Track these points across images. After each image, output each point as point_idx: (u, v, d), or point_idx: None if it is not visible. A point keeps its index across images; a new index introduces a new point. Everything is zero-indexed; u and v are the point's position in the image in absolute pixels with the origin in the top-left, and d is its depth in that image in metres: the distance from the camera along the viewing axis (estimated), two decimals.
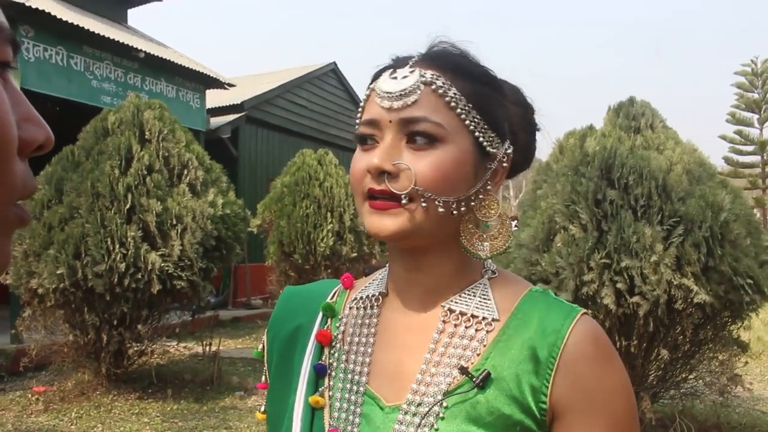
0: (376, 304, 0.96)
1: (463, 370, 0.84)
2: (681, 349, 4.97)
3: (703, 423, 5.28)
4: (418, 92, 0.83)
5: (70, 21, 8.68)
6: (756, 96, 22.16)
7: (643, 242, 4.34)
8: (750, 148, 22.24)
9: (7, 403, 6.19)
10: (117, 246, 5.76)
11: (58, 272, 5.73)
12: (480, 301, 0.89)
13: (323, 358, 0.96)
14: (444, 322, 0.89)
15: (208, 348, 7.22)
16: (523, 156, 0.95)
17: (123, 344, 6.36)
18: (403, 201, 0.82)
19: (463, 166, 0.85)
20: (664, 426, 5.00)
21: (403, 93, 0.84)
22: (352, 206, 9.27)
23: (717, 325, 4.92)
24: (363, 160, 0.86)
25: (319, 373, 0.95)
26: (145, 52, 10.07)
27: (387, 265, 0.99)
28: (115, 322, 6.15)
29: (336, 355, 0.96)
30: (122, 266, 5.72)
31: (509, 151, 0.89)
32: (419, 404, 0.85)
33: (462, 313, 0.89)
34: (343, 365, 0.94)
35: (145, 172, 6.17)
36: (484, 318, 0.88)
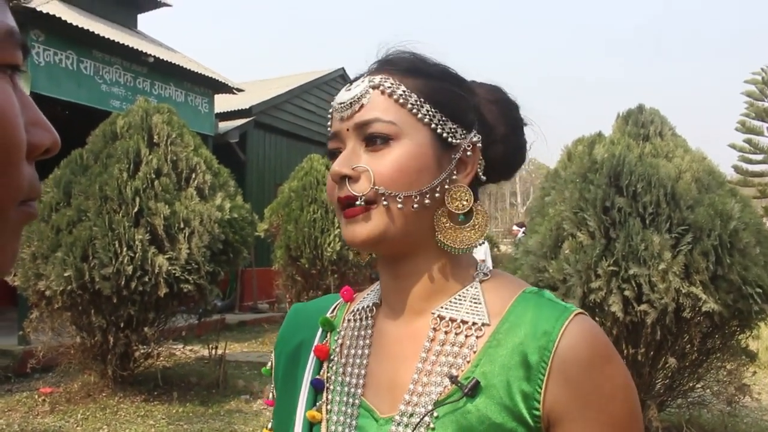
0: (370, 315, 0.96)
1: (453, 379, 0.82)
2: (688, 357, 4.94)
3: None
4: (368, 96, 0.86)
5: (80, 26, 8.73)
6: (766, 105, 22.07)
7: (651, 250, 4.33)
8: (759, 157, 22.13)
9: (14, 403, 6.21)
10: (124, 249, 5.77)
11: (66, 274, 5.75)
12: (471, 306, 0.88)
13: (321, 373, 0.96)
14: (434, 329, 0.87)
15: (214, 351, 7.22)
16: (506, 149, 0.93)
17: (129, 347, 6.37)
18: (359, 203, 0.83)
19: (422, 159, 0.85)
20: None
21: (354, 100, 0.87)
22: None
23: (725, 334, 4.89)
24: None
25: (317, 387, 0.95)
26: (154, 56, 10.12)
27: None
28: (121, 325, 6.17)
29: (334, 368, 0.96)
30: (129, 269, 5.73)
31: (476, 139, 0.89)
32: (411, 415, 0.83)
33: (452, 319, 0.87)
34: (340, 378, 0.94)
35: (154, 176, 6.19)
36: (474, 323, 0.86)
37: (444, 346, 0.86)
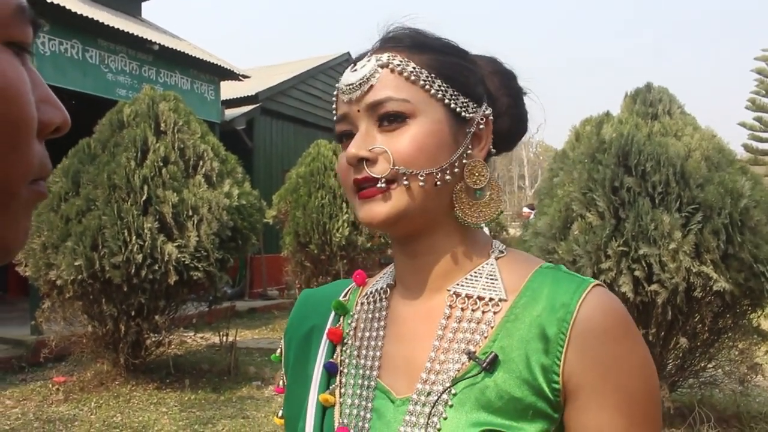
0: (384, 296, 0.95)
1: (471, 355, 0.81)
2: (700, 337, 4.93)
3: (722, 412, 5.23)
4: (377, 75, 0.84)
5: (85, 14, 8.71)
6: None
7: (661, 230, 4.30)
8: None
9: (28, 393, 6.27)
10: (134, 237, 5.79)
11: (76, 264, 5.77)
12: (487, 282, 0.86)
13: (335, 356, 0.95)
14: (451, 307, 0.86)
15: (225, 338, 7.25)
16: (511, 120, 0.93)
17: (141, 335, 6.40)
18: (380, 185, 0.82)
19: (439, 136, 0.84)
20: (682, 415, 4.96)
21: (362, 80, 0.85)
22: None
23: (737, 313, 4.87)
24: (344, 155, 0.86)
25: (330, 371, 0.94)
26: (159, 44, 10.10)
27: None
28: (132, 313, 6.20)
29: (348, 351, 0.95)
30: (139, 257, 5.75)
31: (488, 112, 0.88)
32: (428, 393, 0.82)
33: (468, 296, 0.86)
34: (354, 361, 0.93)
35: (161, 164, 6.20)
36: (491, 299, 0.85)
37: (461, 323, 0.85)
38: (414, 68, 0.84)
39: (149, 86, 7.00)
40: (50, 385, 6.47)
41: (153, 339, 6.69)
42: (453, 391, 0.81)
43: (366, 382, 0.89)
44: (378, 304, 0.95)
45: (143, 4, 12.57)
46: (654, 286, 4.33)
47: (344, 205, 9.25)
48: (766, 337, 5.15)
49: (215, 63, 11.53)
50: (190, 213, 6.08)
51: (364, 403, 0.88)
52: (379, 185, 0.82)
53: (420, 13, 0.91)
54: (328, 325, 0.98)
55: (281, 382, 1.04)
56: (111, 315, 6.19)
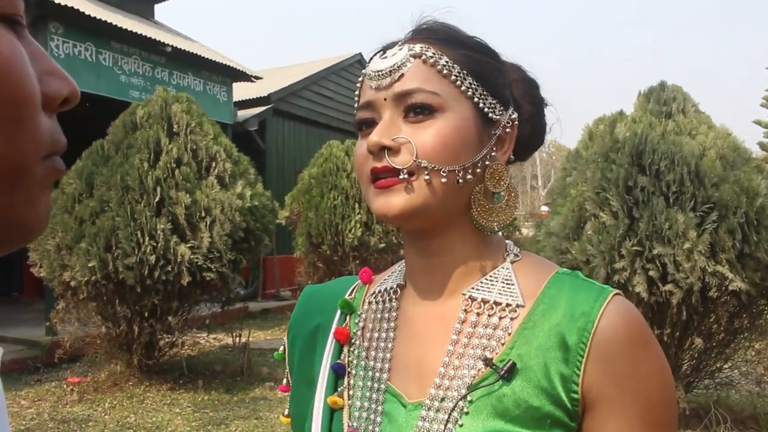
0: (394, 296, 0.92)
1: (488, 362, 0.79)
2: (715, 337, 4.88)
3: (738, 413, 5.19)
4: (409, 65, 0.82)
5: (98, 17, 8.76)
6: None
7: (675, 229, 4.27)
8: None
9: (43, 393, 6.31)
10: (147, 238, 5.81)
11: (90, 265, 5.80)
12: (503, 287, 0.84)
13: (342, 357, 0.93)
14: (466, 311, 0.84)
15: (238, 339, 7.26)
16: (532, 129, 0.91)
17: (154, 336, 6.43)
18: (402, 176, 0.79)
19: (465, 134, 0.82)
20: (698, 416, 4.92)
21: (393, 68, 0.82)
22: None
23: (753, 313, 4.83)
24: (364, 143, 0.83)
25: (338, 372, 0.92)
26: (172, 46, 10.14)
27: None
28: (146, 314, 6.22)
29: (356, 352, 0.93)
30: (152, 258, 5.77)
31: (514, 116, 0.86)
32: (443, 399, 0.81)
33: (484, 301, 0.84)
34: (363, 362, 0.91)
35: (174, 165, 6.22)
36: (508, 304, 0.83)
37: (476, 328, 0.83)
38: (447, 62, 0.82)
39: (162, 88, 7.02)
40: (65, 386, 6.50)
41: (166, 340, 6.71)
42: (469, 398, 0.79)
43: (376, 385, 0.87)
44: (387, 305, 0.93)
45: (156, 6, 12.62)
46: (668, 286, 4.30)
47: (357, 205, 9.25)
48: None
49: (227, 64, 11.56)
50: (203, 214, 6.09)
51: (374, 406, 0.86)
52: (401, 176, 0.80)
53: (455, 8, 0.90)
54: (335, 325, 0.96)
55: (285, 381, 1.02)
56: (124, 316, 6.21)
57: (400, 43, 0.86)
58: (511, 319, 0.82)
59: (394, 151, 0.81)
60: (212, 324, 7.46)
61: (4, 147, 0.45)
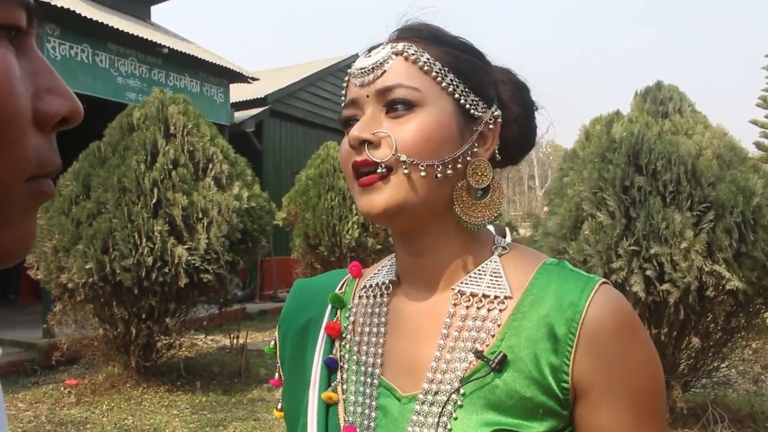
0: (386, 292, 0.93)
1: (479, 354, 0.80)
2: (713, 337, 4.89)
3: (736, 412, 5.19)
4: (391, 62, 0.84)
5: (94, 18, 8.75)
6: None
7: (672, 228, 4.28)
8: None
9: (40, 395, 6.29)
10: (144, 240, 5.80)
11: (87, 267, 5.79)
12: (491, 280, 0.86)
13: (334, 352, 0.94)
14: (455, 304, 0.86)
15: (235, 341, 7.26)
16: (520, 130, 0.92)
17: (152, 337, 6.42)
18: (380, 170, 0.80)
19: (446, 129, 0.83)
20: (695, 415, 4.93)
21: (375, 65, 0.84)
22: None
23: (750, 312, 4.84)
24: (347, 139, 0.85)
25: (331, 367, 0.93)
26: (168, 47, 10.13)
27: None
28: (143, 316, 6.21)
29: (347, 347, 0.93)
30: (149, 260, 5.76)
31: (497, 113, 0.87)
32: (436, 393, 0.82)
33: (473, 294, 0.85)
34: (355, 357, 0.92)
35: (171, 167, 6.21)
36: (496, 297, 0.84)
37: (466, 321, 0.84)
38: (428, 59, 0.83)
39: (159, 89, 7.02)
40: (62, 388, 6.50)
41: (164, 341, 6.71)
42: (462, 391, 0.80)
43: (369, 380, 0.88)
44: (378, 299, 0.94)
45: (152, 8, 12.61)
46: (666, 286, 4.31)
47: (354, 206, 9.24)
48: None
49: (224, 66, 11.56)
50: (200, 215, 6.09)
51: (368, 401, 0.87)
52: (379, 170, 0.81)
53: (439, 9, 0.92)
54: (325, 319, 0.97)
55: (277, 375, 1.03)
56: (122, 318, 6.20)
57: (384, 42, 0.88)
58: (500, 310, 0.83)
59: (374, 145, 0.82)
60: (210, 325, 7.47)
61: None
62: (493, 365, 0.79)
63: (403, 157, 0.80)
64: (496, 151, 0.88)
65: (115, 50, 9.59)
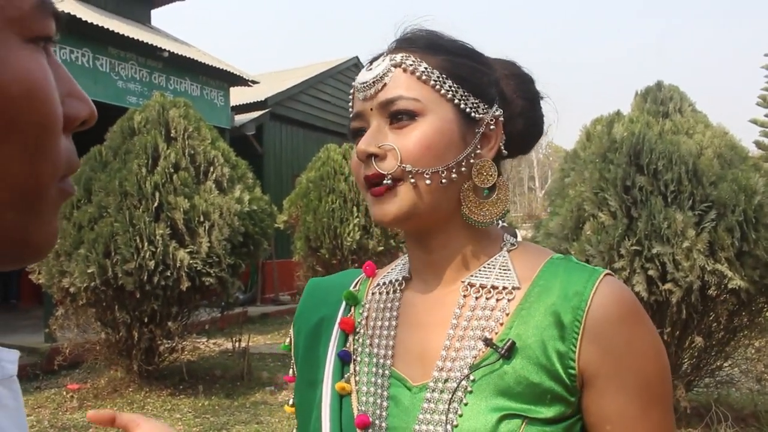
0: (399, 288, 0.97)
1: (488, 342, 0.83)
2: (715, 336, 4.89)
3: (739, 411, 5.19)
4: (390, 75, 0.87)
5: (95, 23, 8.77)
6: None
7: (674, 228, 4.27)
8: None
9: (42, 400, 6.29)
10: (146, 244, 5.81)
11: (89, 271, 5.80)
12: (500, 272, 0.89)
13: (347, 346, 0.97)
14: (465, 296, 0.89)
15: (237, 344, 7.25)
16: (525, 123, 0.95)
17: (154, 341, 6.42)
18: (386, 182, 0.84)
19: (448, 135, 0.86)
20: (699, 415, 4.92)
21: (376, 79, 0.87)
22: None
23: (753, 311, 4.84)
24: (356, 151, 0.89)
25: (344, 359, 0.95)
26: (169, 51, 10.15)
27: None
28: (145, 320, 6.21)
29: (360, 341, 0.97)
30: (151, 264, 5.77)
31: (498, 113, 0.89)
32: (446, 380, 0.84)
33: (482, 286, 0.88)
34: (367, 350, 0.95)
35: (172, 170, 6.21)
36: (504, 287, 0.87)
37: (475, 311, 0.87)
38: (426, 68, 0.86)
39: (159, 93, 7.03)
40: (64, 393, 6.49)
41: (166, 345, 6.70)
42: (472, 378, 0.83)
43: (380, 371, 0.91)
44: (391, 295, 0.97)
45: (152, 12, 12.63)
46: (668, 285, 4.30)
47: (355, 209, 9.24)
48: None
49: (224, 69, 11.57)
50: (202, 219, 6.09)
51: (380, 391, 0.90)
52: (386, 182, 0.84)
53: (436, 14, 0.94)
54: (339, 315, 1.00)
55: (291, 371, 1.05)
56: (124, 322, 6.21)
57: (383, 54, 0.91)
58: (508, 300, 0.86)
59: (380, 157, 0.86)
60: (212, 329, 7.46)
61: (26, 169, 0.46)
62: (502, 352, 0.81)
63: (409, 168, 0.84)
64: (502, 147, 0.91)
65: (115, 54, 9.61)
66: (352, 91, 0.93)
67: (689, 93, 5.29)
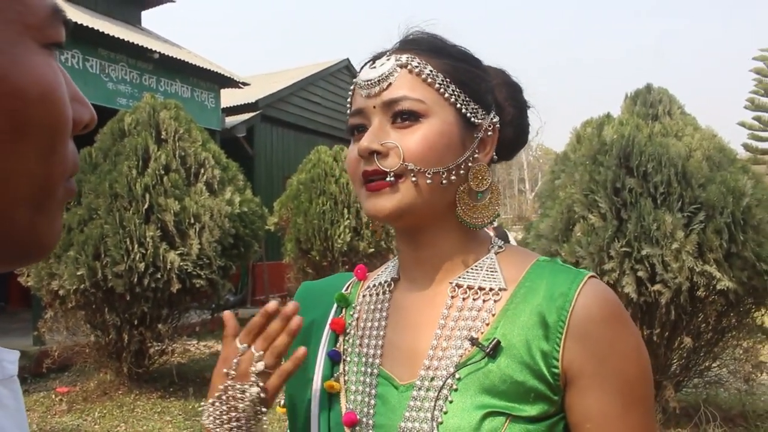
0: (388, 289, 0.99)
1: (474, 341, 0.85)
2: (704, 337, 4.92)
3: (727, 411, 5.23)
4: (396, 74, 0.88)
5: (85, 24, 8.73)
6: None
7: (663, 230, 4.30)
8: None
9: (31, 404, 6.25)
10: (136, 246, 5.79)
11: (79, 273, 5.77)
12: (487, 274, 0.91)
13: (338, 346, 0.98)
14: (452, 297, 0.90)
15: None
16: (515, 131, 0.97)
17: (144, 344, 6.39)
18: (389, 178, 0.85)
19: (449, 137, 0.88)
20: (688, 415, 4.95)
21: (381, 78, 0.89)
22: None
23: (740, 311, 4.87)
24: (356, 148, 0.90)
25: (334, 359, 0.97)
26: (159, 53, 10.11)
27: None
28: (135, 322, 6.19)
29: (350, 341, 0.98)
30: (141, 266, 5.75)
31: (495, 120, 0.92)
32: (432, 379, 0.86)
33: (470, 287, 0.90)
34: (357, 350, 0.96)
35: (163, 172, 6.20)
36: (491, 288, 0.89)
37: (462, 312, 0.89)
38: (431, 71, 0.88)
39: (150, 95, 7.00)
40: (53, 396, 6.45)
41: (156, 348, 6.68)
42: (457, 376, 0.84)
43: (369, 370, 0.93)
44: (381, 296, 0.99)
45: (143, 13, 12.59)
46: (657, 286, 4.33)
47: (345, 210, 9.25)
48: None
49: (215, 71, 11.54)
50: (192, 221, 6.08)
51: (368, 389, 0.91)
52: (388, 179, 0.86)
53: (434, 15, 0.96)
54: (331, 317, 1.01)
55: None
56: (114, 324, 6.18)
57: (388, 53, 0.92)
58: (495, 301, 0.88)
59: (383, 155, 0.87)
60: (202, 331, 7.44)
61: (41, 168, 0.48)
62: (488, 351, 0.83)
63: (411, 166, 0.86)
64: (494, 153, 0.93)
65: (105, 56, 9.57)
66: (352, 87, 0.94)
67: (685, 95, 5.33)
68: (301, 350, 0.90)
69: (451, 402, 0.83)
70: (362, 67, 0.94)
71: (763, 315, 5.02)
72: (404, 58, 0.89)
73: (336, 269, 9.31)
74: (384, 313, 0.96)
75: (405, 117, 0.87)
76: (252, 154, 13.38)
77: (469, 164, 0.89)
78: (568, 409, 0.83)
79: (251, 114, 13.41)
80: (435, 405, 0.83)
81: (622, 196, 4.52)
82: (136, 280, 5.77)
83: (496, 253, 0.94)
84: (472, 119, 0.89)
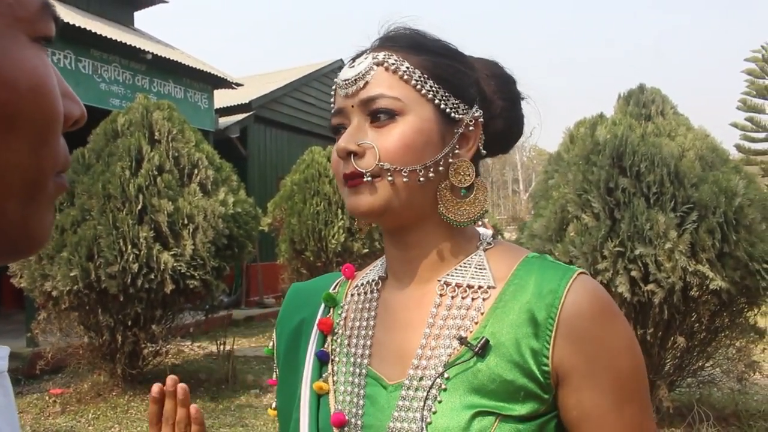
0: (376, 288, 0.98)
1: (462, 340, 0.84)
2: (697, 336, 4.94)
3: (721, 411, 5.24)
4: (372, 73, 0.87)
5: (77, 25, 8.70)
6: (767, 82, 21.95)
7: (656, 229, 4.32)
8: (762, 135, 22.04)
9: (24, 405, 6.23)
10: (129, 247, 5.77)
11: (72, 274, 5.75)
12: (475, 272, 0.90)
13: (326, 346, 0.98)
14: (441, 295, 0.89)
15: (222, 347, 7.23)
16: (505, 123, 0.95)
17: (138, 345, 6.37)
18: (366, 178, 0.85)
19: (427, 134, 0.86)
20: (681, 414, 4.97)
21: (358, 77, 0.88)
22: None
23: (733, 311, 4.89)
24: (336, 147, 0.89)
25: (322, 359, 0.96)
26: (152, 53, 10.09)
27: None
28: (129, 323, 6.17)
29: (339, 341, 0.97)
30: (135, 267, 5.73)
31: (477, 114, 0.90)
32: (421, 378, 0.85)
33: (458, 285, 0.89)
34: (345, 350, 0.96)
35: (156, 173, 6.18)
36: (480, 287, 0.88)
37: (451, 310, 0.88)
38: (407, 68, 0.87)
39: (143, 95, 6.99)
40: (47, 397, 6.43)
41: (150, 349, 6.66)
42: (446, 376, 0.84)
43: (357, 370, 0.92)
44: (369, 296, 0.98)
45: (136, 14, 12.57)
46: (650, 286, 4.34)
47: (339, 211, 9.24)
48: (763, 335, 5.17)
49: (208, 71, 11.52)
50: (186, 221, 6.07)
51: (356, 390, 0.91)
52: (365, 179, 0.85)
53: (421, 14, 0.95)
54: (318, 317, 1.00)
55: (274, 374, 1.06)
56: (107, 325, 6.16)
57: (366, 52, 0.91)
58: (484, 299, 0.87)
59: (359, 155, 0.86)
60: (196, 332, 7.42)
61: (31, 160, 0.48)
62: (476, 350, 0.82)
63: (387, 165, 0.85)
64: (481, 148, 0.91)
65: (98, 56, 9.54)
66: (334, 87, 0.94)
67: (678, 96, 5.35)
68: (194, 408, 1.00)
69: (440, 402, 0.83)
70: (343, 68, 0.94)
71: (755, 315, 5.04)
72: (381, 55, 0.88)
73: (330, 270, 9.30)
74: (372, 313, 0.95)
75: (382, 115, 0.86)
76: (245, 155, 13.36)
77: (450, 160, 0.88)
78: (561, 407, 0.82)
79: (245, 115, 13.40)
80: (424, 405, 0.83)
81: (615, 195, 4.54)
82: (129, 281, 5.76)
83: (485, 250, 0.92)
84: (452, 115, 0.88)
